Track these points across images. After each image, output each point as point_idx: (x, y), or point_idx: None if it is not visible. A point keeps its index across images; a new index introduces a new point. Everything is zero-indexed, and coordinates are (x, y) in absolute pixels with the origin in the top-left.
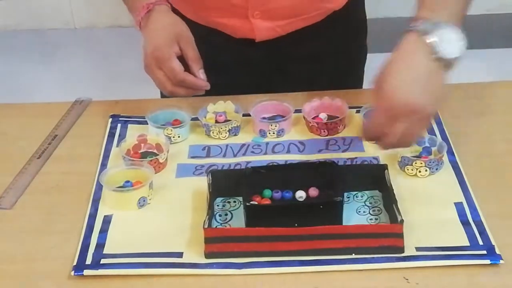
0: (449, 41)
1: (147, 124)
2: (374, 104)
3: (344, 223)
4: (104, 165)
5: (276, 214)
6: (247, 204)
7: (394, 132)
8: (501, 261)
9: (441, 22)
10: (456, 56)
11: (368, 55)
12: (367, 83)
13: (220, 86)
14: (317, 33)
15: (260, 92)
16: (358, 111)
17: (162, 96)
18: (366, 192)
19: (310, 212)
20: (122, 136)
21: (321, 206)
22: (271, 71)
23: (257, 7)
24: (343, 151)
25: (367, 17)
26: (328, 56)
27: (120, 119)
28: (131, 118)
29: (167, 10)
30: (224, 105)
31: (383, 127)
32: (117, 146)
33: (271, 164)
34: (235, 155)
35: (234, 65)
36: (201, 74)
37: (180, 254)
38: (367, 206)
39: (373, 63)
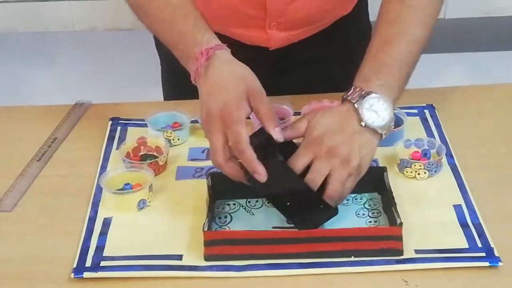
0: (375, 111)
1: (147, 126)
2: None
3: (343, 226)
4: (103, 168)
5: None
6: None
7: (317, 169)
8: (500, 263)
9: (371, 93)
10: (380, 125)
11: None
12: None
13: None
14: (325, 37)
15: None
16: None
17: (166, 99)
18: (365, 194)
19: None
20: (121, 139)
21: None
22: (277, 74)
23: (275, 19)
24: None
25: (370, 21)
26: (334, 59)
27: (119, 121)
28: (130, 120)
29: (230, 58)
30: None
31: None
32: (117, 148)
33: None
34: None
35: None
36: (277, 132)
37: (179, 257)
38: (366, 208)
39: None
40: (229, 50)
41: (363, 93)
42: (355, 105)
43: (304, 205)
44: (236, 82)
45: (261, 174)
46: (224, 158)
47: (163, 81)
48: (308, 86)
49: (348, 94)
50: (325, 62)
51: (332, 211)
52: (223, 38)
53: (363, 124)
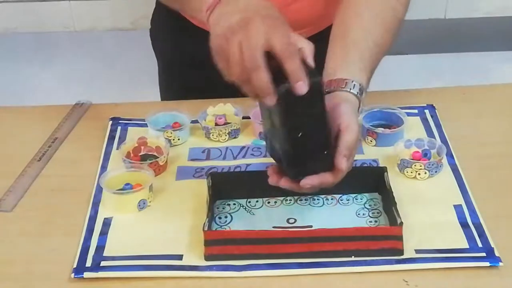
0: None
1: (147, 126)
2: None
3: (343, 226)
4: (104, 168)
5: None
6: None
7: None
8: (500, 264)
9: (364, 86)
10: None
11: None
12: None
13: (220, 89)
14: (322, 38)
15: None
16: None
17: (163, 99)
18: (366, 194)
19: None
20: (122, 139)
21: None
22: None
23: None
24: None
25: None
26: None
27: (120, 121)
28: (131, 120)
29: None
30: (224, 108)
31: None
32: (117, 148)
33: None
34: (235, 158)
35: None
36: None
37: (180, 257)
38: (367, 208)
39: None
40: None
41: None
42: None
43: (313, 146)
44: (259, 4)
45: (302, 86)
46: (263, 61)
47: (160, 81)
48: None
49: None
50: (322, 63)
51: (330, 163)
52: None
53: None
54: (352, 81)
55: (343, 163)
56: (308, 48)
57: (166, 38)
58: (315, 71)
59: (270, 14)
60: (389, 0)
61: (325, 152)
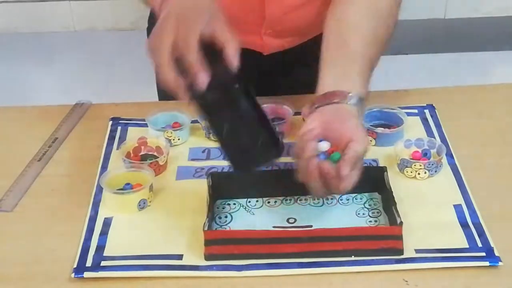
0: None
1: (147, 126)
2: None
3: (343, 225)
4: (104, 168)
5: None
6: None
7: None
8: (500, 263)
9: (362, 96)
10: None
11: None
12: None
13: None
14: (316, 43)
15: (261, 95)
16: None
17: (161, 98)
18: (366, 194)
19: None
20: (122, 139)
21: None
22: (273, 75)
23: (271, 26)
24: None
25: None
26: None
27: (120, 121)
28: (131, 120)
29: None
30: None
31: None
32: (117, 148)
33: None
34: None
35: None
36: (234, 55)
37: (180, 256)
38: (367, 208)
39: None
40: None
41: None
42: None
43: (248, 134)
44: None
45: (202, 77)
46: (168, 57)
47: (157, 82)
48: (300, 88)
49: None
50: (316, 65)
51: (279, 149)
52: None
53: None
54: (353, 94)
55: (345, 170)
56: (231, 46)
57: None
58: (229, 70)
59: (194, 8)
60: (383, 15)
61: (260, 142)
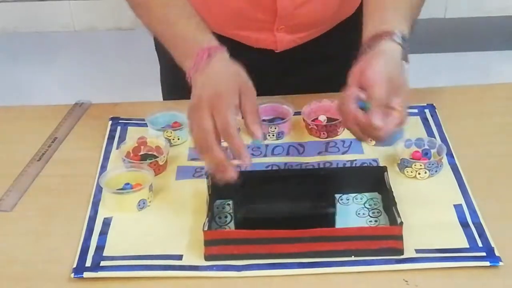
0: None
1: (147, 126)
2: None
3: (343, 225)
4: (104, 168)
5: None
6: (236, 215)
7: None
8: (500, 263)
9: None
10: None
11: None
12: None
13: None
14: (328, 38)
15: (266, 94)
16: None
17: (165, 99)
18: (366, 194)
19: (300, 224)
20: (122, 139)
21: (312, 219)
22: (282, 75)
23: (284, 22)
24: (342, 153)
25: None
26: (336, 59)
27: (120, 121)
28: (131, 120)
29: (228, 59)
30: None
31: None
32: (117, 148)
33: (269, 166)
34: (234, 157)
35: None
36: (257, 129)
37: (179, 257)
38: (367, 208)
39: None
40: (227, 52)
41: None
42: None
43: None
44: (230, 76)
45: (246, 158)
46: (217, 140)
47: (162, 82)
48: (310, 86)
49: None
50: (327, 62)
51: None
52: (227, 40)
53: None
54: (395, 31)
55: (375, 119)
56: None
57: None
58: None
59: (227, 91)
60: None
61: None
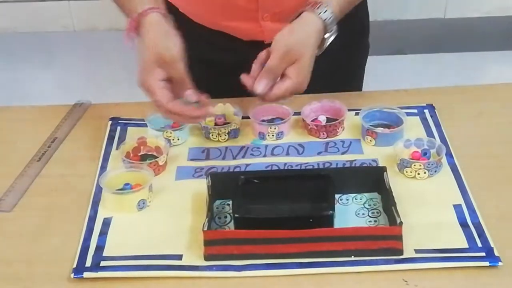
0: (332, 29)
1: (147, 126)
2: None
3: (343, 226)
4: (103, 168)
5: (264, 227)
6: (236, 215)
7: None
8: (500, 263)
9: (335, 15)
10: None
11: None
12: (364, 84)
13: (225, 89)
14: None
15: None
16: (357, 114)
17: None
18: (365, 194)
19: (299, 225)
20: (121, 139)
21: (310, 220)
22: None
23: (267, 10)
24: (342, 154)
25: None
26: (332, 54)
27: (119, 121)
28: (130, 120)
29: (155, 22)
30: (224, 108)
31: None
32: (117, 148)
33: (269, 166)
34: (234, 158)
35: (238, 67)
36: (190, 96)
37: (179, 257)
38: (366, 208)
39: (371, 64)
40: (162, 12)
41: (332, 16)
42: (325, 21)
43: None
44: (149, 48)
45: (199, 114)
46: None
47: None
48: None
49: (316, 8)
50: (322, 58)
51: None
52: (219, 34)
53: (325, 36)
54: (325, 6)
55: (257, 86)
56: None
57: None
58: None
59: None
60: None
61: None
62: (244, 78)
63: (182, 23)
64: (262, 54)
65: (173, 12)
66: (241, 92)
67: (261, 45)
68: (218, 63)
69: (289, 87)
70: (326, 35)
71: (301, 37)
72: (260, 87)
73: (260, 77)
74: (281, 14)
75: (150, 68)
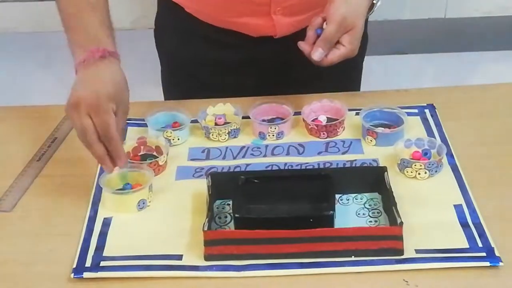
0: None
1: (147, 126)
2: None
3: (343, 226)
4: None
5: (265, 227)
6: (236, 215)
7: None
8: (500, 263)
9: None
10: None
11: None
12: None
13: (227, 87)
14: None
15: (264, 93)
16: (357, 114)
17: (167, 98)
18: (366, 194)
19: (299, 225)
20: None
21: (311, 220)
22: (278, 69)
23: (279, 3)
24: (342, 154)
25: None
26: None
27: None
28: (130, 120)
29: (118, 67)
30: (224, 108)
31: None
32: None
33: (269, 166)
34: (234, 158)
35: (243, 65)
36: (119, 156)
37: (179, 257)
38: (367, 208)
39: (372, 64)
40: (120, 61)
41: None
42: None
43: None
44: (112, 81)
45: (123, 161)
46: (96, 137)
47: (163, 81)
48: (312, 79)
49: None
50: None
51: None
52: (226, 32)
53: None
54: None
55: (314, 54)
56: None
57: (170, 38)
58: None
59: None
60: None
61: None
62: (301, 45)
63: (187, 23)
64: (317, 20)
65: (177, 12)
66: (244, 90)
67: (269, 41)
68: (223, 62)
69: (342, 54)
70: (375, 0)
71: (355, 7)
72: (317, 55)
73: (316, 45)
74: (293, 7)
75: (110, 97)
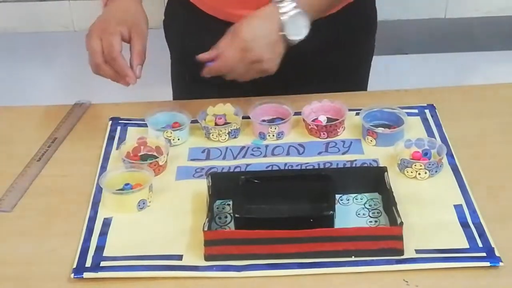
0: (296, 27)
1: (147, 126)
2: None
3: (343, 226)
4: (104, 168)
5: (265, 227)
6: (236, 215)
7: (237, 70)
8: (500, 263)
9: (299, 9)
10: (296, 39)
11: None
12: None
13: (228, 86)
14: (330, 25)
15: (264, 93)
16: (357, 114)
17: (176, 97)
18: (366, 194)
19: (300, 225)
20: (122, 139)
21: (311, 220)
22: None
23: None
24: (342, 154)
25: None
26: (339, 48)
27: (119, 121)
28: (130, 120)
29: (136, 2)
30: (224, 108)
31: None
32: (117, 148)
33: (269, 166)
34: (235, 158)
35: None
36: (138, 70)
37: (180, 257)
38: (367, 208)
39: (372, 64)
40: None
41: (292, 7)
42: (281, 17)
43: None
44: (127, 13)
45: (131, 75)
46: (102, 59)
47: (172, 72)
48: (312, 76)
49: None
50: (329, 51)
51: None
52: (228, 26)
53: (281, 33)
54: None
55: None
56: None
57: (179, 29)
58: None
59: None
60: None
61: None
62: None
63: (193, 15)
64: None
65: (184, 3)
66: (247, 87)
67: None
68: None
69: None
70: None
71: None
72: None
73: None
74: None
75: (119, 22)
